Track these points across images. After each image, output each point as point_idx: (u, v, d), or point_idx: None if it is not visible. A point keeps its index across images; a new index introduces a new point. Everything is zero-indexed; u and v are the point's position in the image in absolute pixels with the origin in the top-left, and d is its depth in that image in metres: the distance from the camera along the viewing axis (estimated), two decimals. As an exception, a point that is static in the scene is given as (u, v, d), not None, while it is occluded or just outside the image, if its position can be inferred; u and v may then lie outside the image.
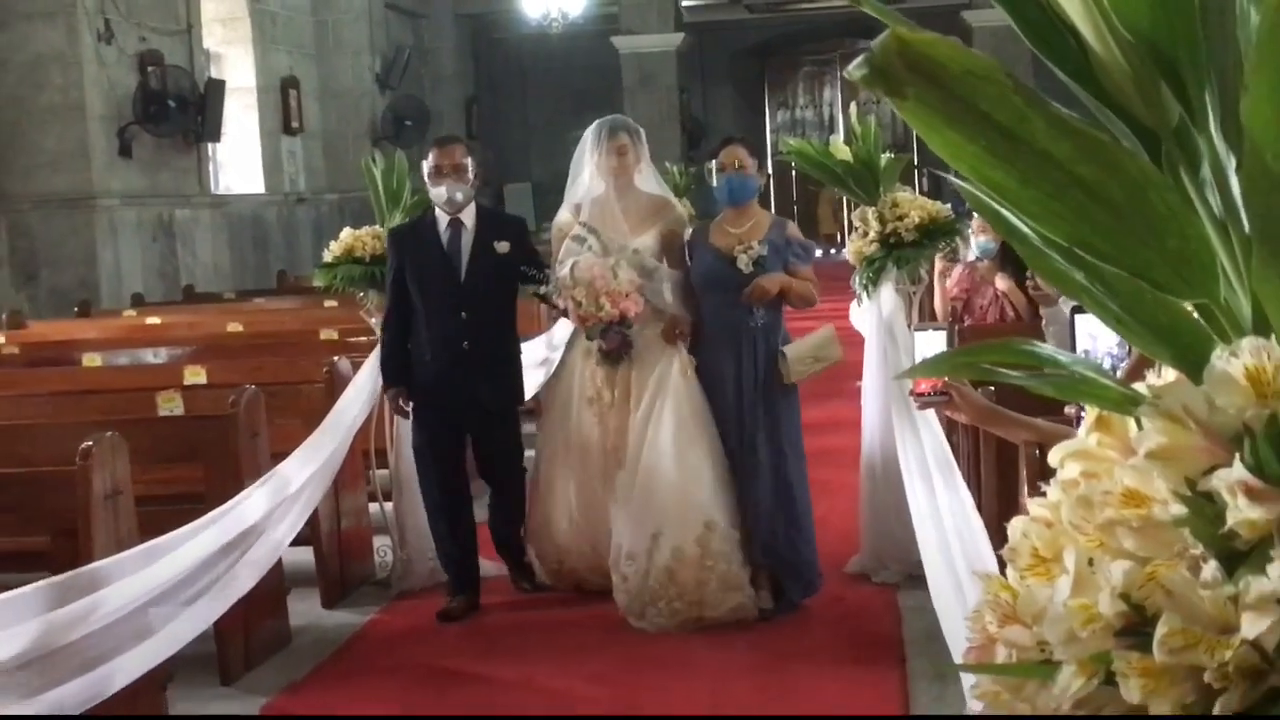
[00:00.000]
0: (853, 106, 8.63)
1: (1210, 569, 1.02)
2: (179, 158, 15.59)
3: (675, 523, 6.04)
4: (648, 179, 6.78)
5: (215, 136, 16.06)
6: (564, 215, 6.78)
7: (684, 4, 24.67)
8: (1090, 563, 1.07)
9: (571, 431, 6.53)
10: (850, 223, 7.46)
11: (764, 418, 6.22)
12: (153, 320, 10.68)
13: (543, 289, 6.40)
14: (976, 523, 4.58)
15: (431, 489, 6.54)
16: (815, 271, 6.73)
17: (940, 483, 6.16)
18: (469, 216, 6.51)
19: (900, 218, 6.95)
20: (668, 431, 6.11)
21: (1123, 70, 1.12)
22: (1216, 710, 0.98)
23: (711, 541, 6.02)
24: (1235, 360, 1.04)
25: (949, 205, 7.11)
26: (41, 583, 4.43)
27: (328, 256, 9.08)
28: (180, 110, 15.01)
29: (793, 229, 6.56)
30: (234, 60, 17.74)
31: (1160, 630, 1.00)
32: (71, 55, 13.77)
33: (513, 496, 6.68)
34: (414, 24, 23.61)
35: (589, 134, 6.73)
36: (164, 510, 5.42)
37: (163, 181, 15.26)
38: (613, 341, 6.25)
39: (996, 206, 1.16)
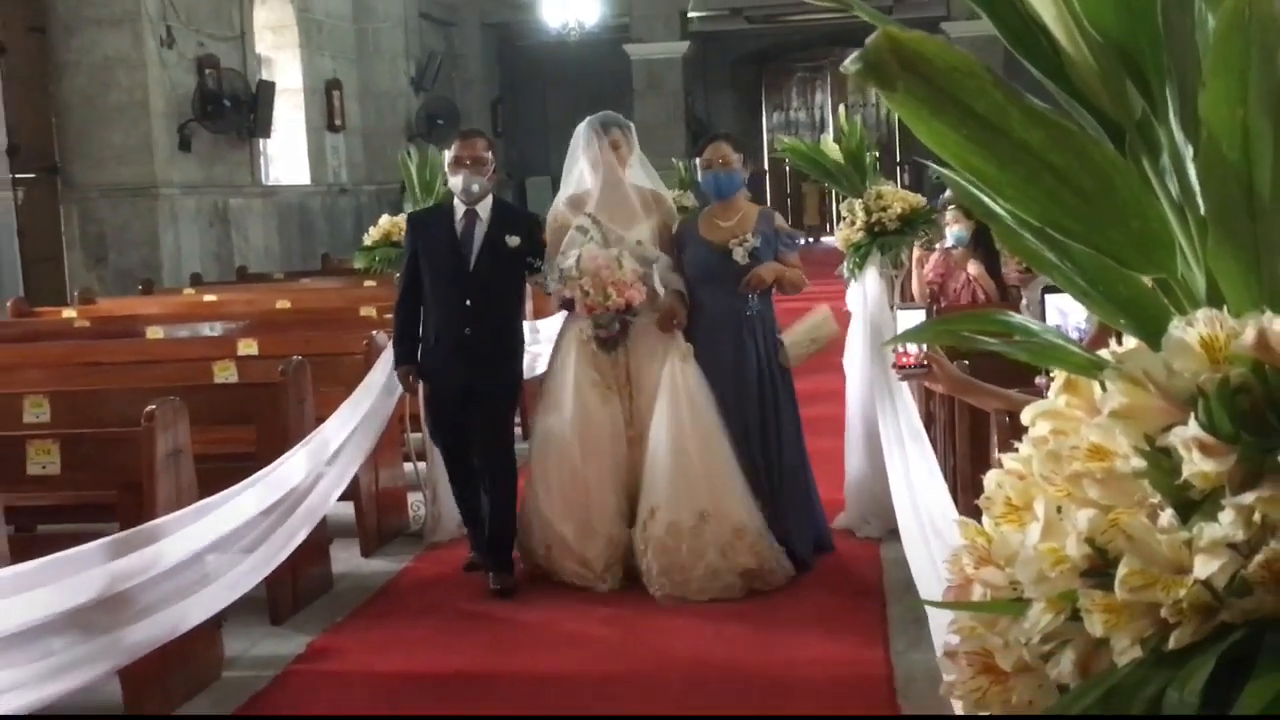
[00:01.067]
0: (841, 108, 8.58)
1: (1167, 516, 1.02)
2: (233, 152, 15.57)
3: (672, 501, 5.74)
4: (638, 172, 6.34)
5: (266, 133, 16.05)
6: (559, 207, 6.35)
7: (689, 15, 24.60)
8: (1058, 511, 1.07)
9: (570, 418, 5.99)
10: (835, 214, 7.45)
11: (770, 401, 6.00)
12: (209, 298, 10.68)
13: (539, 278, 6.04)
14: (941, 484, 4.64)
15: (446, 461, 6.31)
16: (806, 259, 6.61)
17: (913, 449, 6.19)
18: (485, 208, 6.10)
19: (884, 208, 6.99)
20: (676, 416, 5.79)
21: (1091, 68, 1.12)
22: (1171, 643, 0.98)
23: (704, 531, 5.70)
24: (1191, 329, 1.04)
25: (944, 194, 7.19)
26: (109, 537, 4.45)
27: (367, 241, 9.15)
28: (234, 109, 15.00)
29: (779, 220, 6.26)
30: (283, 64, 17.70)
31: (1121, 571, 1.00)
32: (137, 58, 13.74)
33: (501, 487, 6.10)
34: (445, 32, 23.56)
35: (581, 130, 6.33)
36: (219, 468, 5.42)
37: (218, 173, 15.25)
38: (614, 329, 5.90)
39: (976, 191, 1.16)
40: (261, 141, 16.41)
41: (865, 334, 6.66)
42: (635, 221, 6.09)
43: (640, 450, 5.93)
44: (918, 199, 7.13)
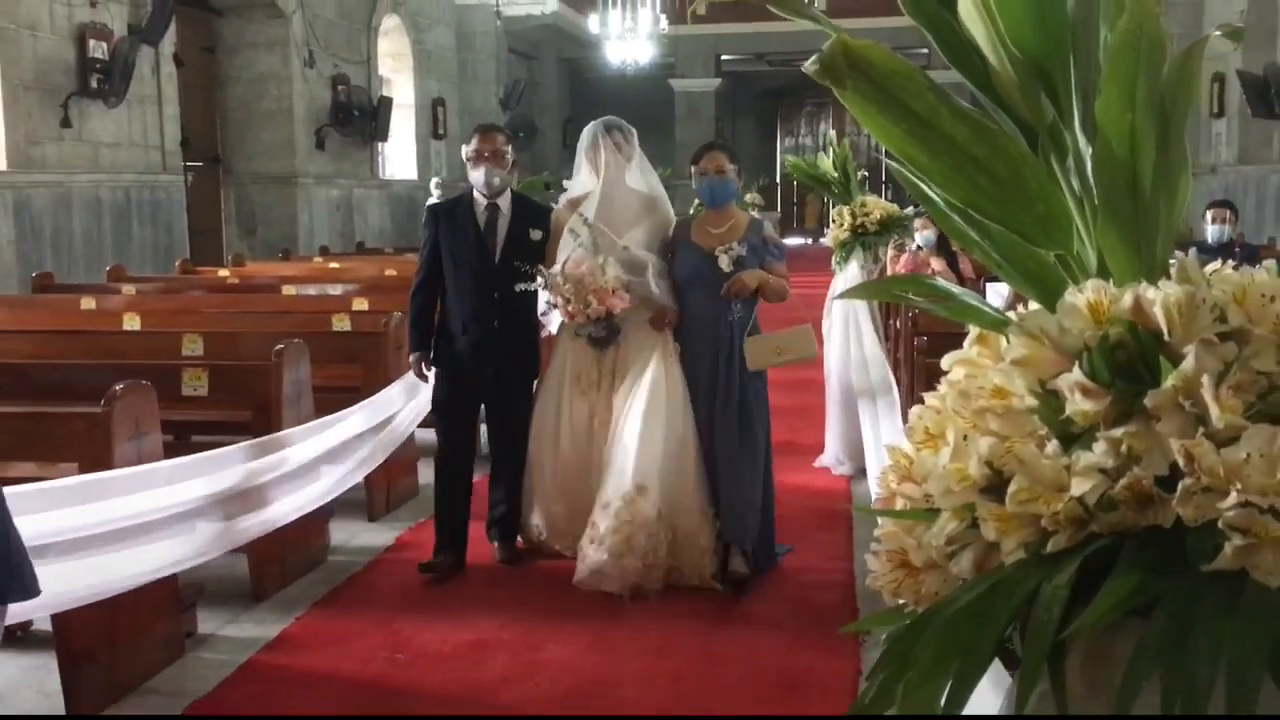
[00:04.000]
0: (833, 134, 8.52)
1: (1052, 446, 1.00)
2: (357, 151, 15.60)
3: (615, 478, 4.76)
4: (638, 177, 5.22)
5: (383, 137, 16.05)
6: (560, 209, 5.26)
7: (722, 58, 24.48)
8: (964, 438, 1.05)
9: (560, 408, 5.11)
10: (830, 218, 7.37)
11: (735, 394, 4.89)
12: (333, 265, 10.72)
13: (529, 285, 4.91)
14: (902, 432, 4.56)
15: (442, 444, 5.26)
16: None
17: (882, 404, 6.14)
18: (505, 202, 5.10)
19: (867, 214, 6.95)
20: (639, 404, 4.83)
21: (1012, 80, 1.08)
22: (1049, 547, 0.96)
23: (638, 504, 4.68)
24: (1080, 295, 1.01)
25: (907, 209, 7.10)
26: (246, 442, 4.48)
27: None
28: (359, 118, 15.01)
29: (768, 230, 5.16)
30: (399, 84, 17.69)
31: (1011, 488, 0.98)
32: (285, 75, 13.77)
33: (514, 464, 5.19)
34: (528, 64, 23.49)
35: (585, 134, 5.25)
36: (332, 397, 5.44)
37: (345, 168, 15.28)
38: (599, 332, 4.96)
39: (915, 179, 1.13)
40: (379, 144, 16.41)
41: (843, 312, 6.63)
42: (633, 224, 5.06)
43: (613, 432, 4.97)
44: (894, 207, 7.10)
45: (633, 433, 4.79)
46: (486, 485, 5.35)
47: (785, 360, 4.92)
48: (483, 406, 5.27)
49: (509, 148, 5.16)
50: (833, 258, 7.14)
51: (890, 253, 8.35)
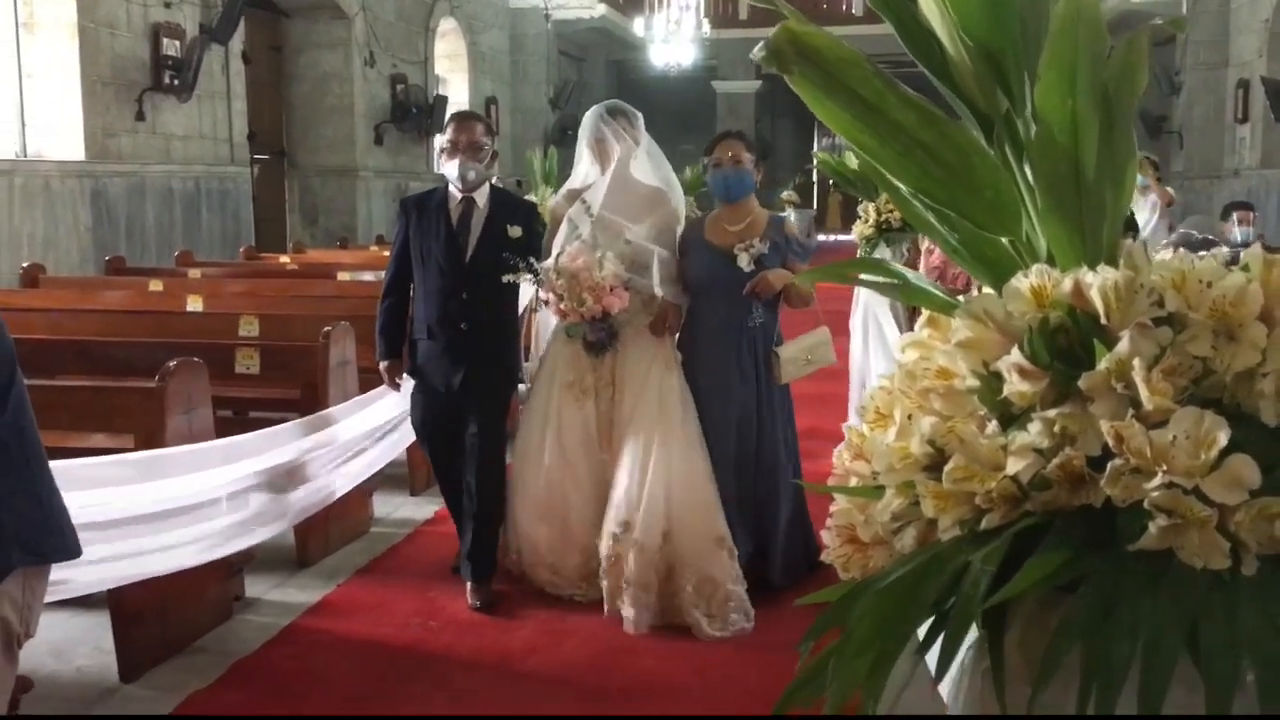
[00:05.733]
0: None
1: (992, 426, 0.97)
2: (413, 147, 15.66)
3: (640, 518, 4.04)
4: (644, 165, 4.47)
5: (439, 133, 16.11)
6: (557, 202, 4.62)
7: (763, 60, 24.33)
8: (909, 418, 1.02)
9: (548, 417, 4.37)
10: (858, 214, 7.30)
11: (769, 419, 4.29)
12: (388, 253, 10.74)
13: (515, 277, 4.18)
14: None
15: (435, 463, 4.59)
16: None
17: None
18: (482, 196, 4.37)
19: (891, 211, 6.87)
20: (651, 431, 4.11)
21: (969, 70, 1.05)
22: (983, 524, 0.93)
23: (630, 539, 4.04)
24: (1025, 280, 0.98)
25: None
26: (294, 421, 4.51)
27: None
28: (416, 115, 15.06)
29: (790, 226, 4.40)
30: (454, 83, 17.73)
31: (948, 466, 0.95)
32: (346, 74, 13.85)
33: (486, 494, 4.34)
34: (578, 65, 23.47)
35: (587, 119, 4.49)
36: (375, 377, 5.46)
37: (401, 162, 15.35)
38: (596, 334, 4.26)
39: (876, 165, 1.10)
40: (435, 139, 16.49)
41: (864, 307, 6.58)
42: (637, 217, 4.36)
43: (613, 458, 4.28)
44: (917, 204, 7.02)
45: (635, 459, 4.11)
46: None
47: (811, 369, 4.32)
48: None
49: (488, 139, 4.41)
50: (858, 253, 7.09)
51: (925, 245, 8.26)
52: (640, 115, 4.54)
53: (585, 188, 4.48)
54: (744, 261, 4.16)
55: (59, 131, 9.14)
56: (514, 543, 4.47)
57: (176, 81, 10.06)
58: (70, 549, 2.06)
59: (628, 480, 4.11)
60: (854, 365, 6.69)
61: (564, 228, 4.42)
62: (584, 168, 4.54)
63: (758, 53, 0.97)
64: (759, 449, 4.29)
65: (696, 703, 3.53)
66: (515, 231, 4.32)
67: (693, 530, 4.06)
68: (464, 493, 4.43)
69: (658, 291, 4.29)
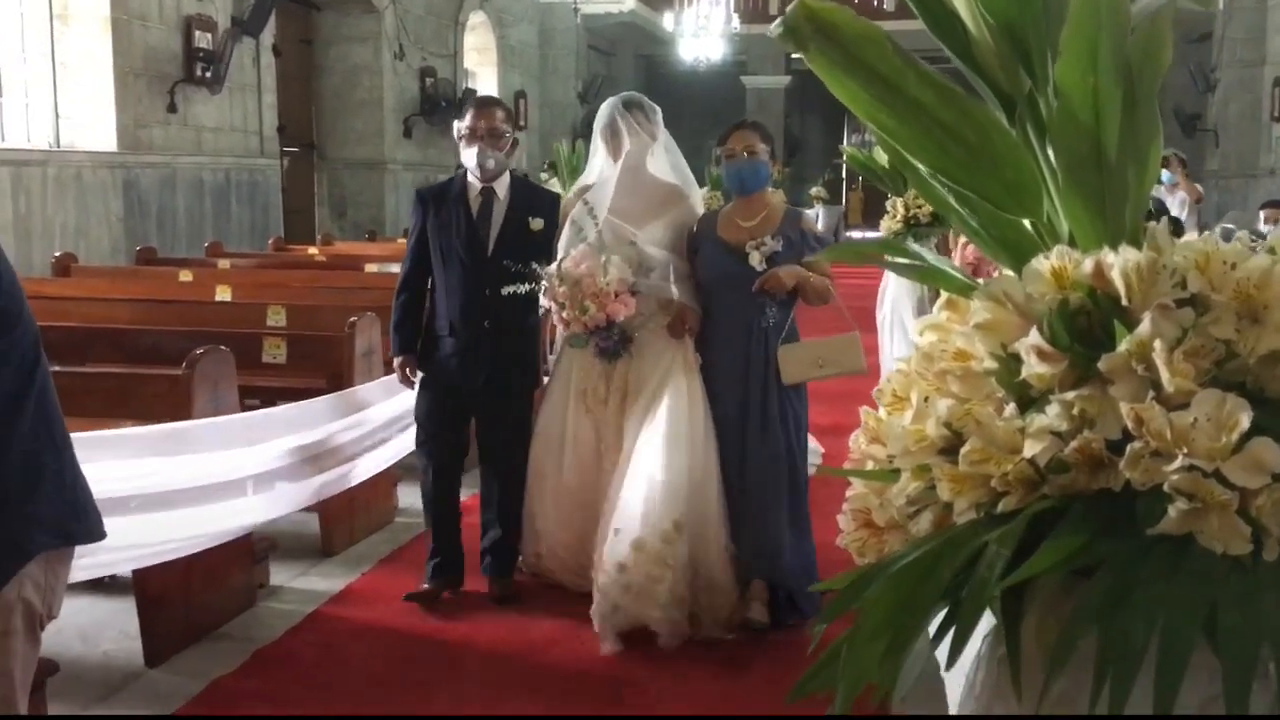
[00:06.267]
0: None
1: (1010, 409, 0.96)
2: (441, 140, 15.70)
3: (639, 518, 3.80)
4: (662, 163, 4.21)
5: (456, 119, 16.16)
6: (569, 199, 4.35)
7: (792, 56, 24.27)
8: (926, 400, 1.01)
9: (565, 425, 4.17)
10: (885, 209, 7.25)
11: (772, 422, 3.95)
12: (415, 246, 10.77)
13: (523, 286, 3.96)
14: None
15: (426, 466, 4.33)
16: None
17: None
18: (502, 186, 4.16)
19: (919, 206, 6.83)
20: (660, 427, 3.90)
21: (991, 50, 1.04)
22: (1000, 507, 0.92)
23: (677, 544, 3.79)
24: (1045, 261, 0.96)
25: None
26: (320, 398, 4.53)
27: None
28: (445, 108, 15.09)
29: (808, 221, 4.13)
30: (484, 77, 17.78)
31: (965, 448, 0.94)
32: (375, 67, 13.92)
33: (511, 492, 4.28)
34: (606, 60, 23.47)
35: (601, 112, 4.22)
36: (402, 367, 5.48)
37: (430, 155, 15.41)
38: (605, 341, 4.01)
39: (896, 146, 1.09)
40: (454, 125, 16.55)
41: (892, 302, 6.57)
42: (652, 217, 4.10)
43: (613, 458, 4.07)
44: (946, 199, 7.01)
45: (656, 463, 3.85)
46: (477, 505, 4.49)
47: (828, 373, 3.94)
48: (473, 420, 4.37)
49: (508, 126, 4.20)
50: (886, 247, 7.09)
51: (961, 240, 8.24)
52: (659, 109, 4.26)
53: (598, 182, 4.22)
54: (755, 260, 3.89)
55: (91, 123, 9.24)
56: (531, 546, 4.34)
57: (208, 74, 10.14)
58: (94, 532, 2.07)
59: (650, 486, 3.83)
60: (883, 362, 6.66)
61: (566, 229, 4.18)
62: (598, 162, 4.27)
63: (775, 29, 0.96)
64: (749, 460, 3.96)
65: (715, 697, 3.52)
66: (537, 224, 4.13)
67: (705, 542, 3.88)
68: (459, 516, 4.34)
69: (674, 291, 4.01)
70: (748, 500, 3.96)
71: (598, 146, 4.24)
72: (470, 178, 4.19)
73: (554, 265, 3.96)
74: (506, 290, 3.93)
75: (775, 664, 3.70)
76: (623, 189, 4.12)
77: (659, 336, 4.08)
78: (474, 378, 4.15)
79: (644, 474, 3.87)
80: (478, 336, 4.12)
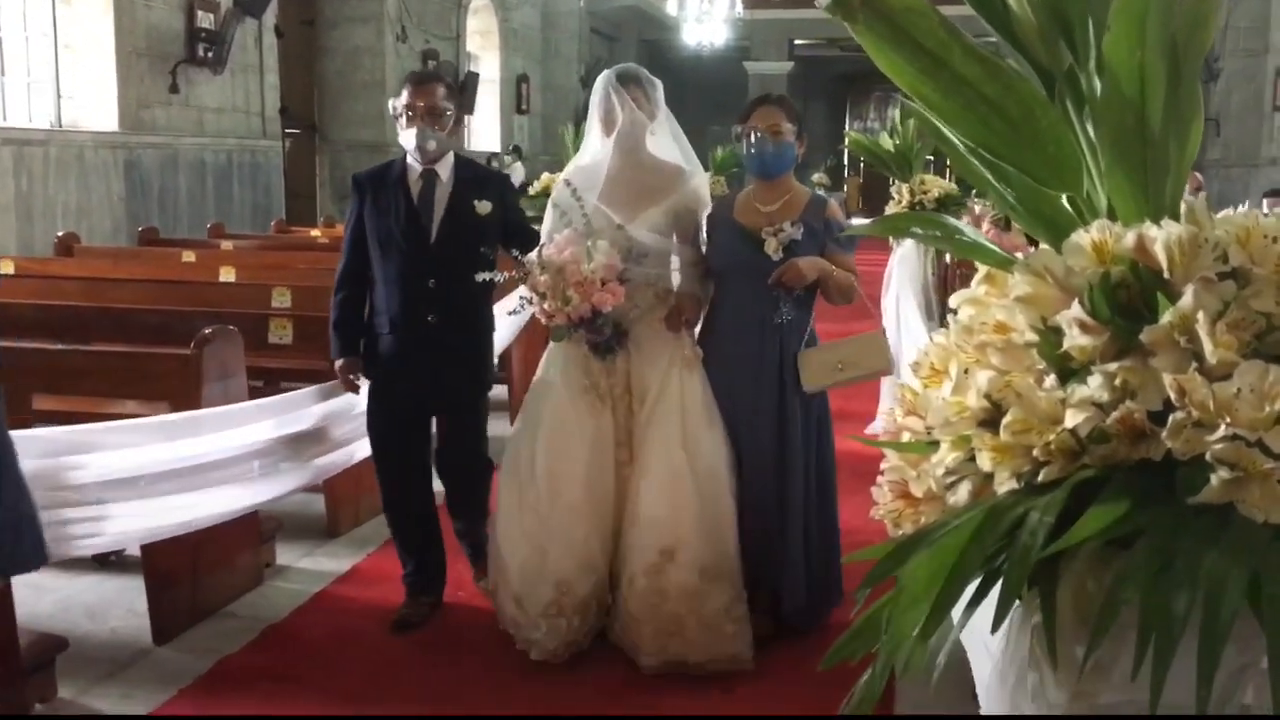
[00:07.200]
0: (895, 113, 8.35)
1: (1050, 380, 0.97)
2: (444, 123, 15.73)
3: (637, 546, 3.47)
4: (663, 140, 3.73)
5: (470, 111, 16.12)
6: (558, 182, 3.88)
7: (795, 42, 24.22)
8: (965, 372, 1.02)
9: (542, 430, 3.58)
10: (890, 195, 7.27)
11: (791, 435, 3.56)
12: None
13: (490, 275, 3.44)
14: None
15: (387, 482, 3.94)
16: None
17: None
18: (445, 168, 3.77)
19: (925, 192, 6.86)
20: (656, 442, 3.49)
21: (1033, 26, 1.05)
22: (1040, 477, 0.93)
23: (669, 571, 3.42)
24: (1085, 235, 0.98)
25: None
26: (316, 386, 4.53)
27: (533, 190, 9.21)
28: (448, 91, 15.11)
29: (833, 208, 3.64)
30: (486, 60, 17.75)
31: (1007, 418, 0.95)
32: (377, 48, 13.89)
33: (476, 495, 4.00)
34: (609, 44, 23.43)
35: (597, 86, 3.69)
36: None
37: (433, 139, 15.39)
38: (595, 336, 3.52)
39: (933, 120, 1.10)
40: (466, 117, 16.52)
41: (899, 278, 6.59)
42: (650, 202, 3.63)
43: (631, 476, 3.57)
44: (952, 186, 7.02)
45: (660, 481, 3.48)
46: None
47: (850, 377, 3.53)
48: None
49: (450, 104, 3.78)
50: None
51: (985, 227, 8.29)
52: (659, 84, 3.75)
53: (591, 164, 3.73)
54: (771, 248, 3.47)
55: (94, 103, 9.23)
56: (492, 570, 3.77)
57: (210, 54, 10.12)
58: (33, 558, 1.95)
59: (665, 506, 3.47)
60: (889, 330, 6.70)
61: (550, 214, 3.72)
62: (593, 142, 3.76)
63: (824, 1, 0.97)
64: (778, 458, 3.60)
65: (716, 697, 3.52)
66: (484, 207, 3.75)
67: (708, 552, 3.49)
68: (429, 530, 4.01)
69: (671, 281, 3.66)
70: (747, 527, 3.57)
71: (593, 125, 3.74)
72: (410, 160, 3.80)
73: (533, 253, 3.51)
74: (480, 278, 3.44)
75: (776, 664, 3.69)
76: (616, 173, 3.64)
77: (659, 331, 3.62)
78: (421, 379, 3.78)
79: (653, 494, 3.49)
80: (423, 333, 3.74)
